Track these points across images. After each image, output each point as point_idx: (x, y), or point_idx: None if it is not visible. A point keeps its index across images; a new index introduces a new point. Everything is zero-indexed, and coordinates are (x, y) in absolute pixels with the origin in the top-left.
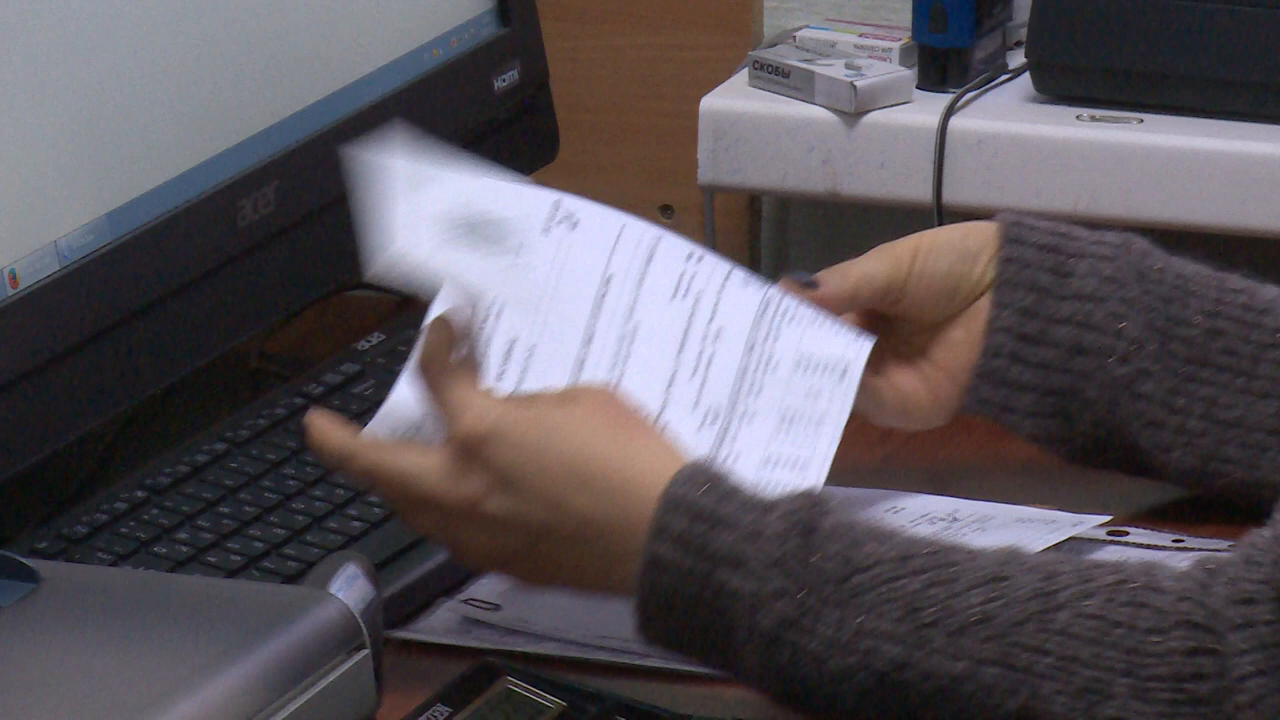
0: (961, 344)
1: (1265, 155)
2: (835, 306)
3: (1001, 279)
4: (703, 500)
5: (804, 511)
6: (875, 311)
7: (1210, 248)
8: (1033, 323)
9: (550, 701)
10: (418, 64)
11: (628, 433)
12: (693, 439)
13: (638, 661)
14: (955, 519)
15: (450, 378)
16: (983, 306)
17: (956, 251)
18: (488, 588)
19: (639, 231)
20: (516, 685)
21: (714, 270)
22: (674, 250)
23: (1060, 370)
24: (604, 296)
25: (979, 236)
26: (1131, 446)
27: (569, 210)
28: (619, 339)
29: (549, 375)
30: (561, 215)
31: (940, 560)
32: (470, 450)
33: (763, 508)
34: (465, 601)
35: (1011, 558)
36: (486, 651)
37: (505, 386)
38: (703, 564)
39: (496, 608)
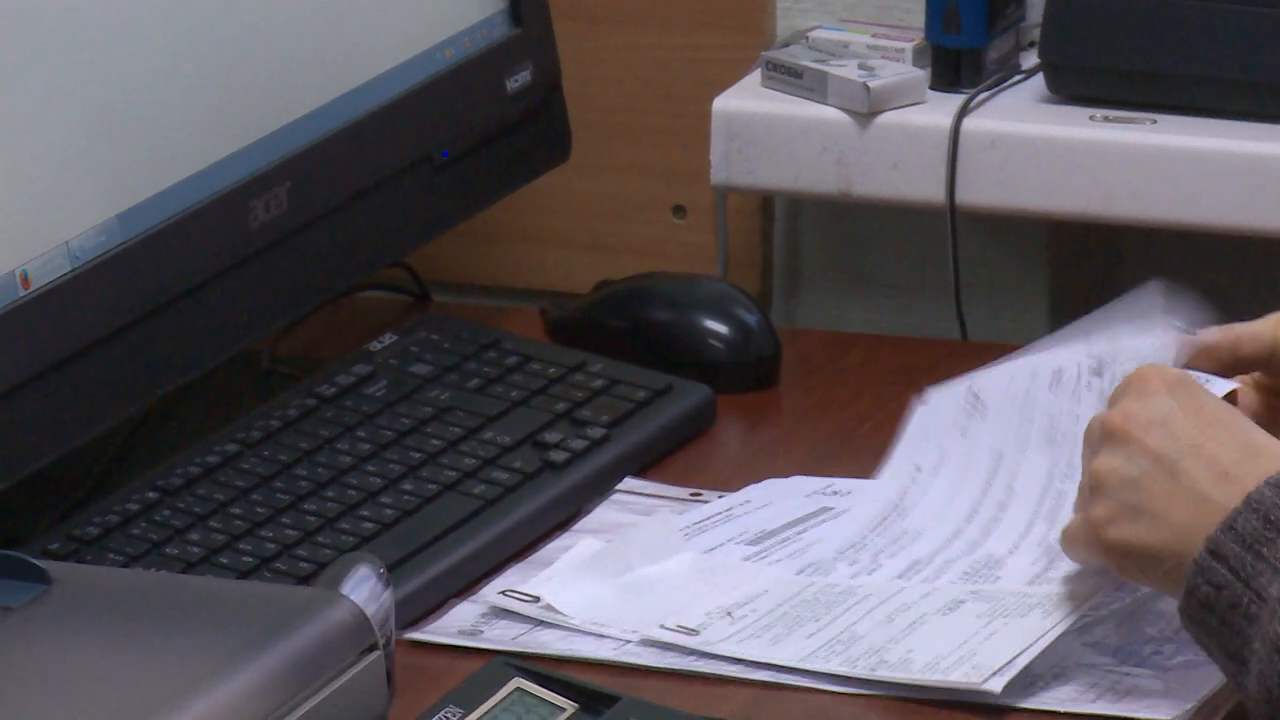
0: None
1: (1279, 156)
2: (1213, 357)
3: None
4: (1278, 509)
5: None
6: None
7: (1223, 249)
8: None
9: (563, 702)
10: (430, 64)
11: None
12: (1027, 582)
13: (663, 664)
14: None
15: None
16: None
17: None
18: (522, 580)
19: (1036, 405)
20: (529, 686)
21: (1085, 409)
22: (1062, 392)
23: None
24: (994, 474)
25: None
26: None
27: (977, 393)
28: (997, 507)
29: (923, 541)
30: (972, 403)
31: None
32: (1145, 381)
33: None
34: (503, 593)
35: None
36: (499, 652)
37: (884, 570)
38: (1257, 567)
39: (535, 600)
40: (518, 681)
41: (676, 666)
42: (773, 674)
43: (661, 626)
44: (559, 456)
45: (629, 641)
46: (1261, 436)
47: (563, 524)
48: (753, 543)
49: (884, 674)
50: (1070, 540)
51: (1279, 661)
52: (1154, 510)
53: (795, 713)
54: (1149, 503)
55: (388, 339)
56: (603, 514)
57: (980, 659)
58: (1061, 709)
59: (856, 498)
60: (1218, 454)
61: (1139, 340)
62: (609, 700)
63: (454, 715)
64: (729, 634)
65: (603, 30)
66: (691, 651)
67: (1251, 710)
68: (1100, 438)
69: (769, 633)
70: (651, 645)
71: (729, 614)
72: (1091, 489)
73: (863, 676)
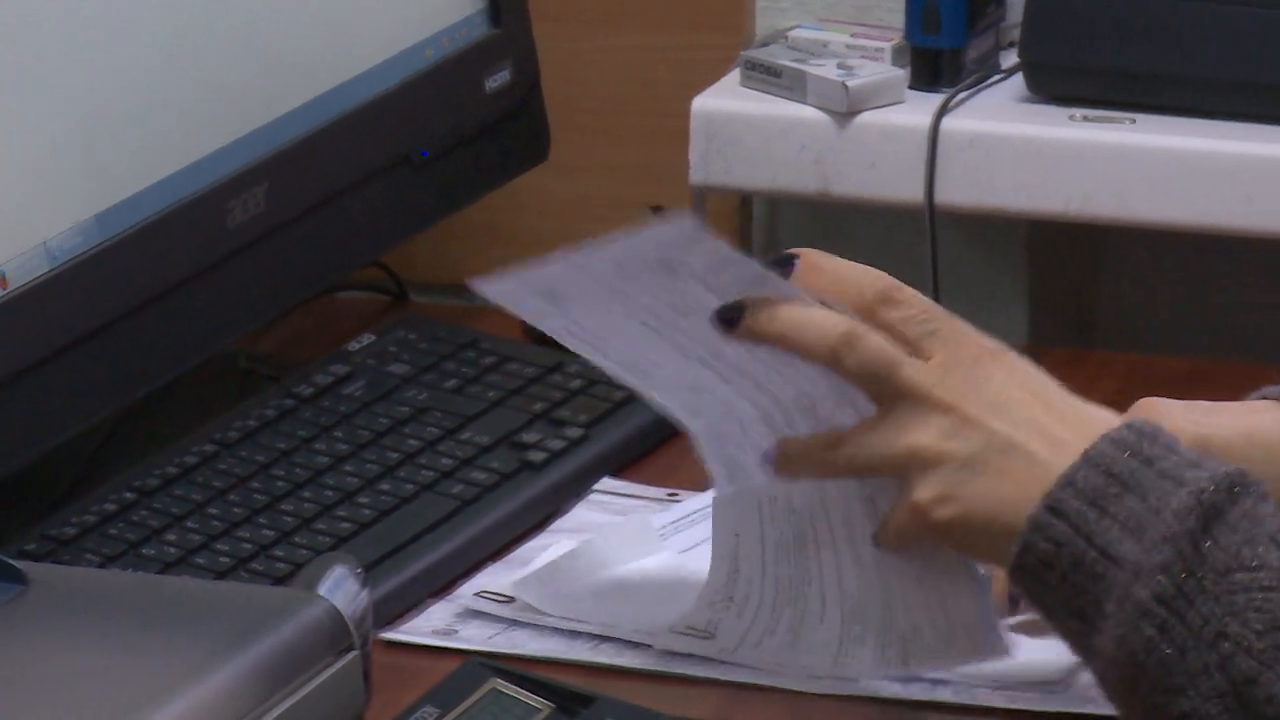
0: None
1: (1258, 155)
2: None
3: None
4: (1122, 463)
5: (1215, 494)
6: None
7: (1204, 248)
8: None
9: (538, 703)
10: (409, 64)
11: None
12: None
13: (639, 664)
14: None
15: None
16: None
17: None
18: (499, 580)
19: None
20: (505, 686)
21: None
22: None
23: None
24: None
25: None
26: None
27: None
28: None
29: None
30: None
31: None
32: (976, 362)
33: (1177, 480)
34: (479, 594)
35: None
36: (475, 653)
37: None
38: (1101, 524)
39: (510, 600)
40: (494, 682)
41: (651, 667)
42: (749, 674)
43: (672, 631)
44: (536, 456)
45: (606, 641)
46: (1083, 405)
47: (540, 524)
48: None
49: (915, 667)
50: (894, 533)
51: (1146, 627)
52: (986, 485)
53: (770, 712)
54: (981, 479)
55: (365, 339)
56: (580, 514)
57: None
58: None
59: None
60: (1051, 427)
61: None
62: (585, 701)
63: (430, 715)
64: (742, 633)
65: (581, 30)
66: (713, 661)
67: (1104, 669)
68: (927, 412)
69: (780, 625)
70: (670, 655)
71: (730, 599)
72: (912, 467)
73: (897, 697)
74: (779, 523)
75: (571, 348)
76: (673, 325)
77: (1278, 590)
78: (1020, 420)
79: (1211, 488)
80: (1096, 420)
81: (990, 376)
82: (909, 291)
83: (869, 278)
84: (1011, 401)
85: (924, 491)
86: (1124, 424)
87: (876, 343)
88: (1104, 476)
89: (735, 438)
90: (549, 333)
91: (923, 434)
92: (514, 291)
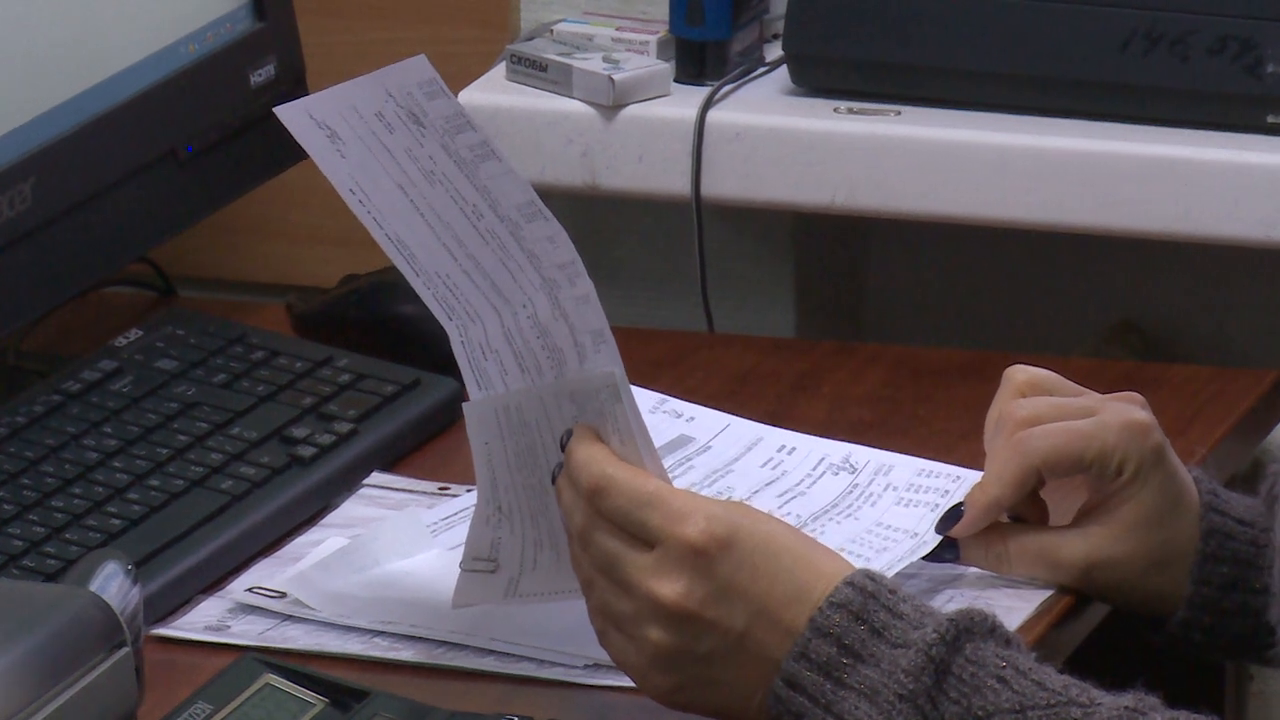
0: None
1: (1022, 147)
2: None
3: (1204, 552)
4: (850, 633)
5: (940, 648)
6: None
7: (967, 239)
8: (1233, 596)
9: (312, 698)
10: (173, 59)
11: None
12: None
13: (414, 658)
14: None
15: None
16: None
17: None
18: (270, 576)
19: (743, 427)
20: (278, 682)
21: (805, 458)
22: (770, 441)
23: (1253, 625)
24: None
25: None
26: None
27: (676, 408)
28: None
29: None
30: (668, 409)
31: (1058, 715)
32: (700, 554)
33: (904, 643)
34: (250, 589)
35: (1132, 716)
36: (248, 648)
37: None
38: (839, 694)
39: (282, 595)
40: (267, 677)
41: (427, 661)
42: (525, 667)
43: (462, 569)
44: (306, 451)
45: (380, 635)
46: (813, 559)
47: (310, 519)
48: None
49: None
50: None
51: None
52: (725, 678)
53: (544, 705)
54: (720, 673)
55: (133, 335)
56: (350, 509)
57: None
58: None
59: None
60: (778, 612)
61: None
62: (359, 695)
63: (203, 712)
64: (520, 552)
65: (347, 24)
66: (489, 653)
67: None
68: (656, 614)
69: (543, 535)
70: (446, 648)
71: (499, 509)
72: (652, 660)
73: None
74: (515, 434)
75: (355, 212)
76: (424, 196)
77: None
78: (748, 612)
79: (937, 640)
80: (815, 582)
81: (712, 570)
82: (620, 480)
83: (583, 472)
84: (734, 590)
85: (663, 680)
86: (845, 581)
87: (593, 553)
88: (835, 646)
89: (482, 346)
90: (338, 187)
91: (661, 634)
92: (301, 117)
